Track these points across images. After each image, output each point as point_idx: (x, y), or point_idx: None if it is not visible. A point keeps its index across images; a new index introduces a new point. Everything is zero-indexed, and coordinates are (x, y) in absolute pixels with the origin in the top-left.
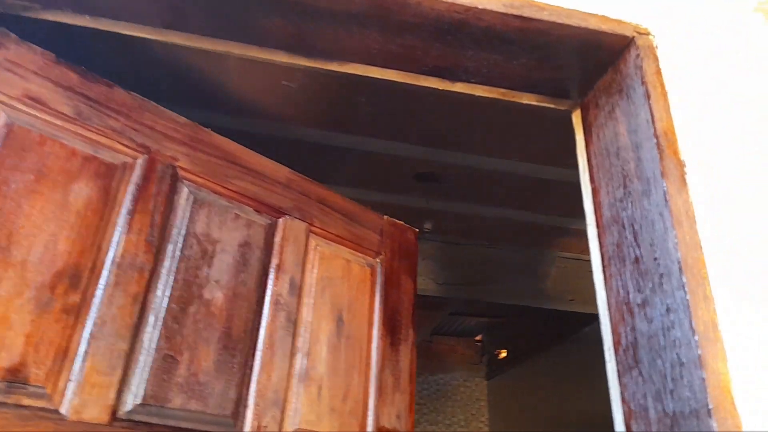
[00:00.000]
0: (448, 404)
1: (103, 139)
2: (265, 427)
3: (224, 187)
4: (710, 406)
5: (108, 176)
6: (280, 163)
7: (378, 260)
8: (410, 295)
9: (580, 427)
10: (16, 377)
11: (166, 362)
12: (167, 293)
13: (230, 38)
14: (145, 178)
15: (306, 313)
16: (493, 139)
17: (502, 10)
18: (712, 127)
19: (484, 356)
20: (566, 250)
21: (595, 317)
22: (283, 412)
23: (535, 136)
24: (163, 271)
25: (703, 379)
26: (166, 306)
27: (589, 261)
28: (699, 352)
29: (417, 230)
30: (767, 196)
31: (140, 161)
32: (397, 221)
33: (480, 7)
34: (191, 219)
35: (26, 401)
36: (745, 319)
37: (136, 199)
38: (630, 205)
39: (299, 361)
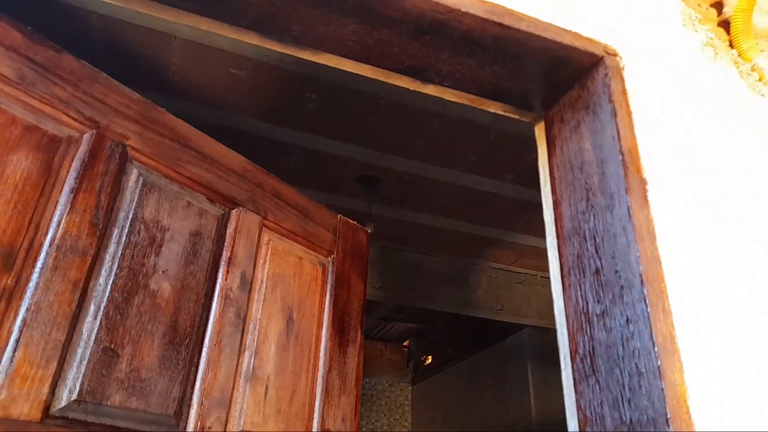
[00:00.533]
0: (372, 408)
1: (47, 109)
2: (210, 427)
3: (177, 172)
4: (668, 416)
5: (51, 149)
6: None
7: (330, 259)
8: (360, 297)
9: None
10: None
11: (106, 356)
12: (110, 281)
13: (199, 12)
14: (92, 154)
15: (256, 310)
16: (435, 148)
17: (483, 15)
18: (670, 148)
19: (410, 362)
20: (497, 261)
21: (517, 327)
22: (228, 412)
23: (476, 148)
24: (107, 257)
25: (662, 389)
26: (108, 295)
27: (517, 272)
28: (658, 363)
29: (369, 231)
30: (722, 215)
31: (87, 136)
32: (351, 221)
33: (463, 9)
34: (140, 203)
35: None
36: (699, 333)
37: (81, 177)
38: (592, 218)
39: (247, 360)
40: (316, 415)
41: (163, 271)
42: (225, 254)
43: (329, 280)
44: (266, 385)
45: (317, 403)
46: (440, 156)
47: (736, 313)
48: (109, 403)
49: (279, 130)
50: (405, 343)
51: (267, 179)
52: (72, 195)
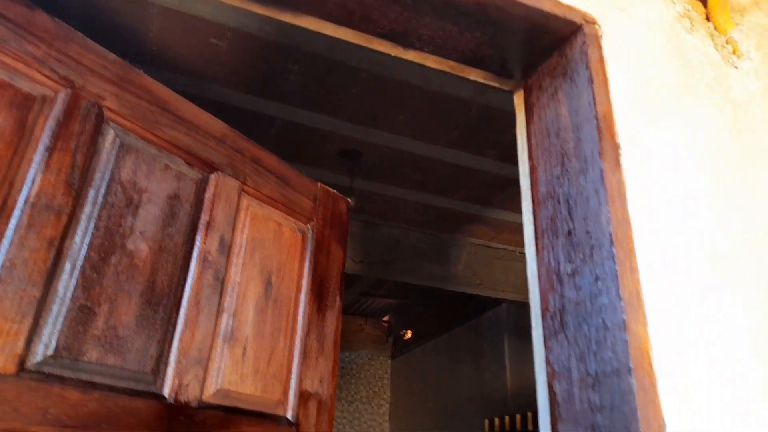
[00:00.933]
0: (352, 381)
1: (21, 66)
2: (187, 385)
3: (154, 135)
4: (630, 366)
5: (25, 107)
6: None
7: (310, 226)
8: (339, 264)
9: (470, 406)
10: None
11: (82, 313)
12: (87, 240)
13: None
14: (67, 114)
15: (234, 273)
16: (417, 122)
17: None
18: (644, 114)
19: (390, 336)
20: (477, 236)
21: (495, 303)
22: (206, 371)
23: (458, 123)
24: (83, 217)
25: (626, 342)
26: (84, 254)
27: (496, 248)
28: (624, 317)
29: (349, 200)
30: (691, 181)
31: (62, 95)
32: (331, 189)
33: None
34: (117, 164)
35: None
36: (663, 290)
37: (56, 136)
38: (567, 182)
39: (225, 321)
40: (293, 377)
41: (140, 232)
42: (203, 218)
43: (309, 246)
44: (244, 346)
45: (295, 364)
46: (422, 130)
47: (704, 270)
48: (85, 359)
49: (259, 102)
50: (385, 319)
51: (246, 145)
52: (47, 154)
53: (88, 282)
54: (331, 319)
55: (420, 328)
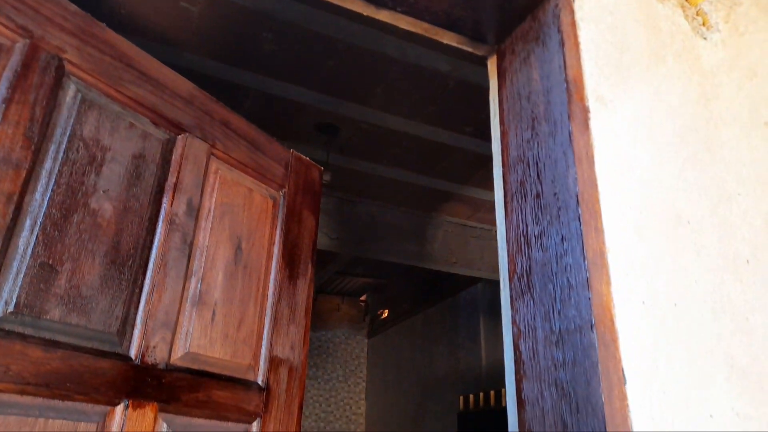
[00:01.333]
0: (329, 360)
1: None
2: (154, 347)
3: (118, 92)
4: (593, 322)
5: None
6: None
7: (281, 193)
8: (311, 232)
9: (445, 384)
10: None
11: (43, 271)
12: (47, 197)
13: None
14: (25, 65)
15: (203, 237)
16: (394, 96)
17: None
18: (614, 78)
19: (366, 316)
20: (453, 215)
21: (470, 282)
22: (174, 334)
23: (435, 98)
24: (44, 173)
25: (589, 299)
26: (45, 210)
27: (472, 227)
28: (587, 275)
29: (322, 168)
30: (658, 146)
31: (20, 45)
32: (303, 157)
33: None
34: (78, 120)
35: None
36: (627, 251)
37: (14, 88)
38: (536, 145)
39: (193, 285)
40: (264, 343)
41: (104, 191)
42: (170, 179)
43: (280, 213)
44: (213, 311)
45: (265, 331)
46: (399, 105)
47: (667, 232)
48: (48, 317)
49: (233, 71)
50: (362, 298)
51: (216, 107)
52: (4, 105)
53: (49, 240)
54: (303, 287)
55: (397, 308)
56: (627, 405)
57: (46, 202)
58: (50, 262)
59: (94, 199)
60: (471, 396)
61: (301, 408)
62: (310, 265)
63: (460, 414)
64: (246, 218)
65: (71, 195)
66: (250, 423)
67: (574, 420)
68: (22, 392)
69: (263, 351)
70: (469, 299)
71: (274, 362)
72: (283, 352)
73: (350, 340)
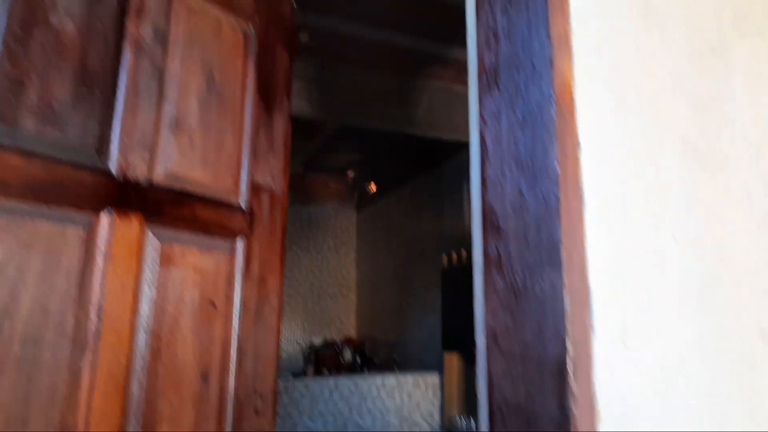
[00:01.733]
0: (319, 233)
1: None
2: (135, 166)
3: None
4: (553, 98)
5: None
6: None
7: (251, 26)
8: (285, 67)
9: (431, 246)
10: None
11: (11, 83)
12: (5, 9)
13: None
14: None
15: (172, 64)
16: None
17: None
18: None
19: (354, 190)
20: (438, 78)
21: (456, 150)
22: (152, 154)
23: None
24: None
25: (551, 78)
26: (5, 23)
27: (457, 92)
28: (551, 55)
29: (293, 3)
30: None
31: None
32: None
33: None
34: None
35: None
36: (589, 32)
37: None
38: None
39: (168, 110)
40: (243, 171)
41: (64, 8)
42: (133, 2)
43: (251, 47)
44: (191, 136)
45: (245, 159)
46: None
47: (630, 13)
48: (22, 128)
49: None
50: (349, 174)
51: None
52: None
53: (12, 54)
54: (279, 121)
55: (384, 181)
56: (579, 170)
57: (4, 16)
58: (17, 76)
59: (54, 16)
60: (454, 254)
61: (284, 231)
62: (285, 100)
63: (444, 271)
64: (216, 50)
65: (30, 11)
66: (234, 239)
67: (530, 188)
68: (6, 195)
69: (244, 177)
70: (454, 166)
71: (255, 189)
72: (264, 180)
73: (339, 215)
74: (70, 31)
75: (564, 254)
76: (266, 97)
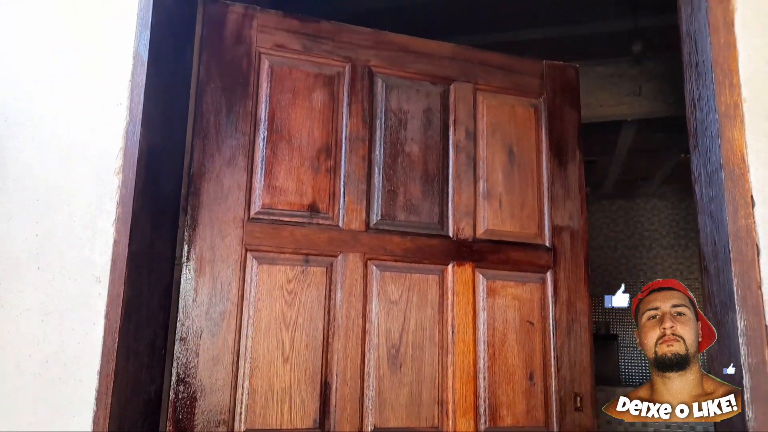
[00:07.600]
0: None
1: (322, 60)
2: (463, 229)
3: (404, 71)
4: (721, 167)
5: (330, 84)
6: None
7: (541, 100)
8: (574, 124)
9: None
10: (312, 209)
11: (388, 194)
12: (382, 152)
13: None
14: (352, 78)
15: (481, 151)
16: None
17: None
18: None
19: None
20: None
21: None
22: (474, 219)
23: None
24: (376, 139)
25: (719, 148)
26: (382, 160)
27: None
28: (718, 124)
29: (577, 66)
30: None
31: (347, 68)
32: (556, 62)
33: None
34: (387, 99)
35: (320, 221)
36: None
37: (350, 95)
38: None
39: (481, 185)
40: (545, 217)
41: (411, 138)
42: (451, 117)
43: (542, 116)
44: (499, 200)
45: (545, 207)
46: None
47: None
48: (397, 219)
49: None
50: None
51: (473, 53)
52: (348, 107)
53: (388, 175)
54: (573, 170)
55: None
56: (753, 223)
57: (382, 155)
58: (391, 188)
59: (406, 145)
60: None
61: (587, 262)
62: (577, 151)
63: None
64: (513, 128)
65: (393, 146)
66: (542, 272)
67: (718, 238)
68: (395, 259)
69: (545, 222)
70: None
71: (556, 229)
72: (563, 221)
73: None
74: (415, 152)
75: (737, 296)
76: (558, 153)
